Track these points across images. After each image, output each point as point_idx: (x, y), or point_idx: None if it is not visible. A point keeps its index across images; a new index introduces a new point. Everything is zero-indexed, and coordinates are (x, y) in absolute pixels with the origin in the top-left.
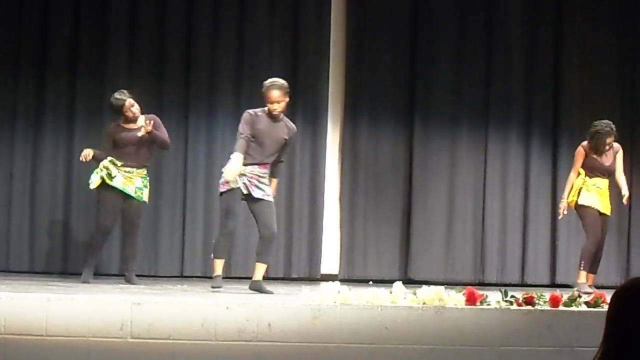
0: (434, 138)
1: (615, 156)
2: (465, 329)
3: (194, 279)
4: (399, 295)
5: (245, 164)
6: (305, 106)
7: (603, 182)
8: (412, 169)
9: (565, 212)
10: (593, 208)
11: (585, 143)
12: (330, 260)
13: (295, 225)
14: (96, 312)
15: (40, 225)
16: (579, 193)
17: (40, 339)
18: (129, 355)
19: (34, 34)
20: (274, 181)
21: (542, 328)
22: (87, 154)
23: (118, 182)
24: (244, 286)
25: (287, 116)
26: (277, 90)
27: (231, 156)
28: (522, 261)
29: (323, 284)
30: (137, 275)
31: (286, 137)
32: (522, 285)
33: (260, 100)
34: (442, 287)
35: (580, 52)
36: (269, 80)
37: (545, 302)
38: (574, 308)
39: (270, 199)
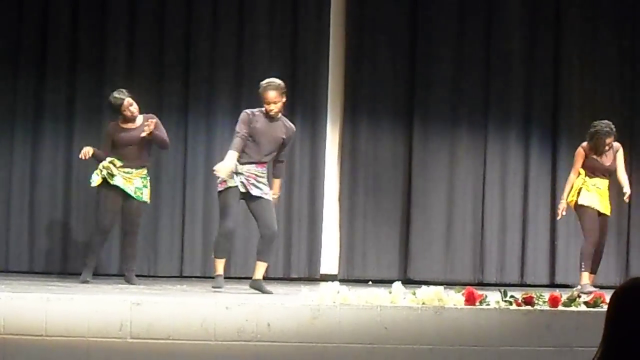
0: (434, 138)
1: (615, 155)
2: (464, 329)
3: (194, 279)
4: (398, 296)
5: (242, 163)
6: (305, 106)
7: (603, 183)
8: (411, 169)
9: (564, 213)
10: (592, 208)
11: (585, 144)
12: (329, 260)
13: (295, 225)
14: (96, 312)
15: (40, 225)
16: (578, 193)
17: (40, 339)
18: (129, 355)
19: (33, 33)
20: (277, 181)
21: (541, 328)
22: (87, 151)
23: (119, 182)
24: (244, 286)
25: (286, 116)
26: (273, 91)
27: (227, 154)
28: (522, 261)
29: (322, 284)
30: (137, 276)
31: (283, 137)
32: (522, 285)
33: (260, 100)
34: (441, 287)
35: (580, 52)
36: (266, 80)
37: (544, 302)
38: (573, 308)
39: (269, 197)
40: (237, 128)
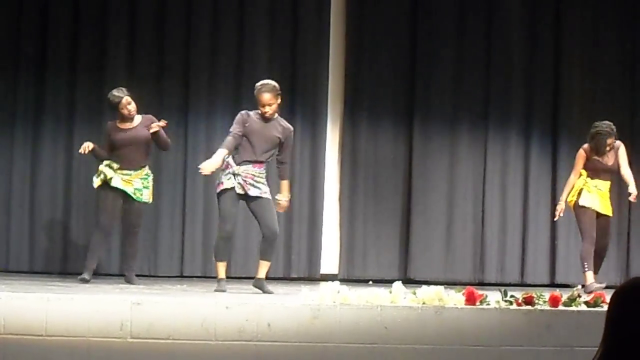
0: (434, 138)
1: (617, 154)
2: (464, 328)
3: (194, 279)
4: (398, 295)
5: (239, 164)
6: (305, 106)
7: (604, 184)
8: (411, 169)
9: (562, 215)
10: (591, 210)
11: (586, 146)
12: (329, 260)
13: (295, 225)
14: (96, 312)
15: (40, 225)
16: (579, 194)
17: (40, 339)
18: (129, 355)
19: (33, 33)
20: (284, 183)
21: (541, 328)
22: (87, 146)
23: (117, 182)
24: (244, 286)
25: (286, 116)
26: (267, 93)
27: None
28: (522, 261)
29: (323, 283)
30: (137, 275)
31: (279, 136)
32: (522, 285)
33: (255, 102)
34: (441, 287)
35: (580, 52)
36: (260, 82)
37: (544, 302)
38: (573, 308)
39: (268, 196)
40: (231, 127)
